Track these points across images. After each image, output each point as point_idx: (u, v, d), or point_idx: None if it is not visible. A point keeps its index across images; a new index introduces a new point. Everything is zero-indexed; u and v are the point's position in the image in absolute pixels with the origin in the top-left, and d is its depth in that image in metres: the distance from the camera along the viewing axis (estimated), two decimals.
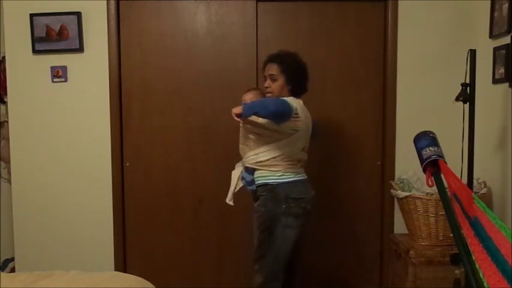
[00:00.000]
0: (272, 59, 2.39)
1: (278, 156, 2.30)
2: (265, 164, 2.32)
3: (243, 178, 2.43)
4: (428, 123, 2.56)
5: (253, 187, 2.38)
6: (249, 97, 2.45)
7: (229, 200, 2.47)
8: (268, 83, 2.37)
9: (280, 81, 2.34)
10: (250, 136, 2.36)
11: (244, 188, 2.46)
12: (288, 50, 2.43)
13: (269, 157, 2.30)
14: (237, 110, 2.19)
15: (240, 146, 2.45)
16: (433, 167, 1.55)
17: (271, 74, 2.35)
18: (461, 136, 2.32)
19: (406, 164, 2.80)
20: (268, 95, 2.38)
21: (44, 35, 2.86)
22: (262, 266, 2.33)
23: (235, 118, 2.20)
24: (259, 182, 2.35)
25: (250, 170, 2.37)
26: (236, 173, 2.49)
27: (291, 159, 2.32)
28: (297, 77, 2.37)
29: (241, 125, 2.38)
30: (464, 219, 1.31)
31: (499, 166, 2.53)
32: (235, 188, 2.47)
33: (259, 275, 2.33)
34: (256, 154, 2.33)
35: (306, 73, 2.40)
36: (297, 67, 2.37)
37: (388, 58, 2.88)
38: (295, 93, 2.38)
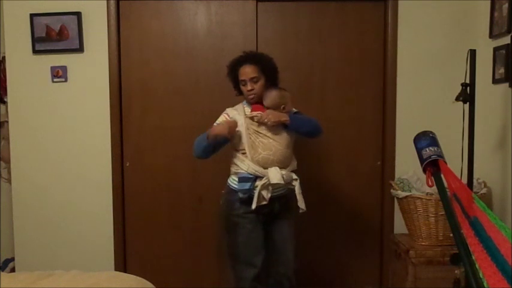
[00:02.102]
0: (246, 61, 2.36)
1: None
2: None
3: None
4: (428, 123, 2.56)
5: None
6: (278, 95, 2.35)
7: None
8: (251, 85, 2.33)
9: (262, 80, 2.35)
10: (290, 142, 2.38)
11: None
12: (251, 50, 2.47)
13: None
14: (283, 117, 2.28)
15: (285, 150, 2.32)
16: (433, 167, 1.55)
17: (253, 77, 2.32)
18: (461, 136, 2.32)
19: (406, 164, 2.80)
20: (251, 97, 2.35)
21: (44, 35, 2.86)
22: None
23: (274, 124, 2.27)
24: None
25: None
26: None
27: None
28: (273, 73, 2.40)
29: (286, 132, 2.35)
30: (464, 219, 1.31)
31: (499, 166, 2.53)
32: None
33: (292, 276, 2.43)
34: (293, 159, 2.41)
35: (277, 68, 2.43)
36: (272, 63, 2.40)
37: (388, 58, 2.88)
38: None
